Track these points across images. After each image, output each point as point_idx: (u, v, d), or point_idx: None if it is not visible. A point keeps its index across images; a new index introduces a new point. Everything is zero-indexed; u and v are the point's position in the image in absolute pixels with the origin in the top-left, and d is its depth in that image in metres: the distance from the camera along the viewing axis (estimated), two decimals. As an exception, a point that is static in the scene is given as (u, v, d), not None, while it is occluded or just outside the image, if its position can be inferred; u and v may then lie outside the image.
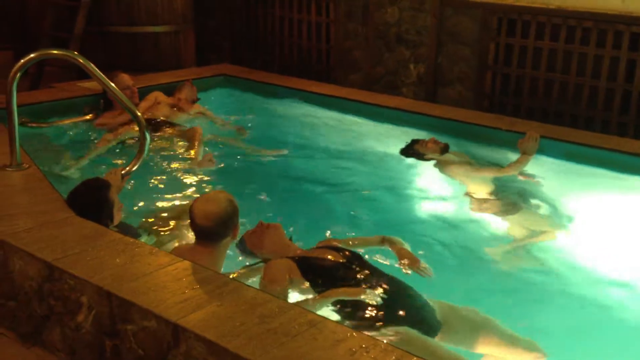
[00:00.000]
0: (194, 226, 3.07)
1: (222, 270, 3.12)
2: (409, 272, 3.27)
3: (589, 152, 4.89)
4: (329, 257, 3.21)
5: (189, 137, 5.34)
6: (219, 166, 5.10)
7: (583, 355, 3.13)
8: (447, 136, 5.24)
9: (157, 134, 5.38)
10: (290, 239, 3.41)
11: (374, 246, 3.53)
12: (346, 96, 6.23)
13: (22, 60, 3.78)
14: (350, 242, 3.52)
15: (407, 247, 3.48)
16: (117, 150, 5.18)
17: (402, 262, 3.32)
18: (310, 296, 2.97)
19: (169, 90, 6.02)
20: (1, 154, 3.99)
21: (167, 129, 5.47)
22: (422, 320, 2.96)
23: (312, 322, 2.41)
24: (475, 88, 6.23)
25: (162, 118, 5.59)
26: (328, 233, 3.95)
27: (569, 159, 4.91)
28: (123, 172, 3.82)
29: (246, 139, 5.77)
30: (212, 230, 3.02)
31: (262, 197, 4.63)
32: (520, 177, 4.71)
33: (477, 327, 3.08)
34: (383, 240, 3.52)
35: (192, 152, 5.18)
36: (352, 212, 4.57)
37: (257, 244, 3.30)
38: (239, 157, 5.40)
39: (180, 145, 5.33)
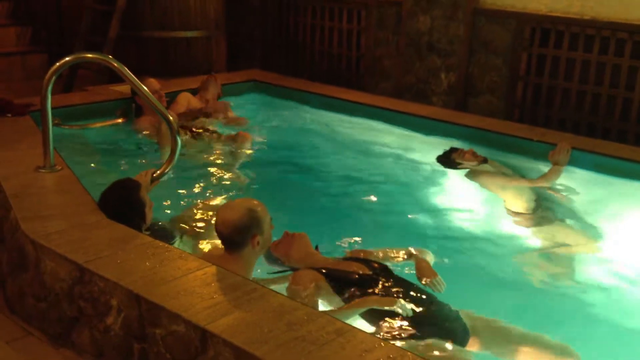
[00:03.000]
0: (216, 232, 3.09)
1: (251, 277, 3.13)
2: (425, 286, 3.24)
3: (620, 165, 4.83)
4: (357, 269, 3.19)
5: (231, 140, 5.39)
6: (248, 172, 5.12)
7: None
8: (477, 146, 5.20)
9: (195, 137, 5.42)
10: (316, 248, 3.40)
11: (401, 259, 3.50)
12: (376, 104, 6.22)
13: (57, 64, 3.81)
14: (378, 254, 3.49)
15: (432, 259, 3.45)
16: (152, 151, 5.24)
17: (419, 275, 3.29)
18: (338, 306, 2.96)
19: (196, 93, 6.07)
20: (35, 156, 4.05)
21: (206, 133, 5.50)
22: (451, 331, 2.94)
23: (340, 331, 2.40)
24: (506, 98, 6.18)
25: (192, 126, 5.62)
26: (355, 243, 3.93)
27: (601, 171, 4.85)
28: (154, 175, 3.84)
29: (273, 145, 5.80)
30: (228, 238, 3.02)
31: (289, 206, 4.63)
32: (554, 193, 4.65)
33: (507, 336, 3.05)
34: (410, 255, 3.49)
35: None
36: (380, 222, 4.55)
37: (283, 254, 3.30)
38: (267, 164, 5.41)
39: (218, 148, 5.36)
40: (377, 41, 7.01)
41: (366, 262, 3.29)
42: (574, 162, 4.73)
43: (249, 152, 5.39)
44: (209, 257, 3.16)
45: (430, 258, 3.46)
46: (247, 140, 5.42)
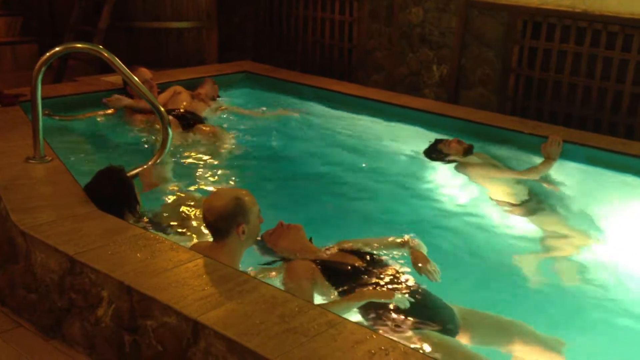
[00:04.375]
0: (203, 219, 3.09)
1: (241, 267, 3.12)
2: (421, 274, 3.25)
3: (612, 158, 4.85)
4: (351, 260, 3.19)
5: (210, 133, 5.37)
6: (242, 163, 5.11)
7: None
8: (469, 138, 5.20)
9: (184, 128, 5.40)
10: (311, 240, 3.40)
11: (394, 248, 3.50)
12: (368, 96, 6.21)
13: (47, 54, 3.78)
14: (371, 243, 3.50)
15: (424, 249, 3.46)
16: (140, 143, 5.22)
17: (415, 263, 3.30)
18: (333, 299, 2.96)
19: (190, 86, 6.04)
20: (25, 146, 4.02)
21: (197, 124, 5.48)
22: (442, 322, 2.95)
23: (332, 323, 2.40)
24: (498, 90, 6.19)
25: (182, 108, 5.60)
26: (347, 233, 3.92)
27: (592, 163, 4.87)
28: (145, 166, 3.83)
29: (264, 137, 5.79)
30: (213, 225, 3.02)
31: (281, 198, 4.63)
32: (545, 185, 4.66)
33: (497, 327, 3.07)
34: (403, 243, 3.49)
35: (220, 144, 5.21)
36: (371, 214, 4.55)
37: (276, 244, 3.29)
38: (261, 155, 5.41)
39: (205, 140, 5.35)
40: (370, 33, 7.00)
41: (360, 253, 3.29)
42: (565, 155, 4.75)
43: (232, 146, 5.38)
44: (197, 247, 3.16)
45: (423, 248, 3.47)
46: (225, 135, 5.41)
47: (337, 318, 2.45)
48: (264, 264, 3.31)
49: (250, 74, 6.95)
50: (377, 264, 3.20)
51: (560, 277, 3.88)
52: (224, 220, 2.98)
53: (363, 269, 3.14)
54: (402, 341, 2.54)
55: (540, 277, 3.87)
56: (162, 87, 5.76)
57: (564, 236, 4.24)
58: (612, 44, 5.50)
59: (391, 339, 2.37)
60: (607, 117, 5.61)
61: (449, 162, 4.91)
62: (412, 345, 2.60)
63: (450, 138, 4.99)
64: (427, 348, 2.73)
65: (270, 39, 7.95)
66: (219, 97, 6.12)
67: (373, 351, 2.25)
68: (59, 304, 2.92)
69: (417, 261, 3.30)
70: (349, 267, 3.14)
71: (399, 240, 3.49)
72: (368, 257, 3.24)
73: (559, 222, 4.40)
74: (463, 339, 2.97)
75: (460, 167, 4.84)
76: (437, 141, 5.02)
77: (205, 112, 5.75)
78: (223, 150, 5.24)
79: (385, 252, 3.41)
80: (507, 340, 3.02)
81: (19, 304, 3.13)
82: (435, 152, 4.97)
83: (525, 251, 4.13)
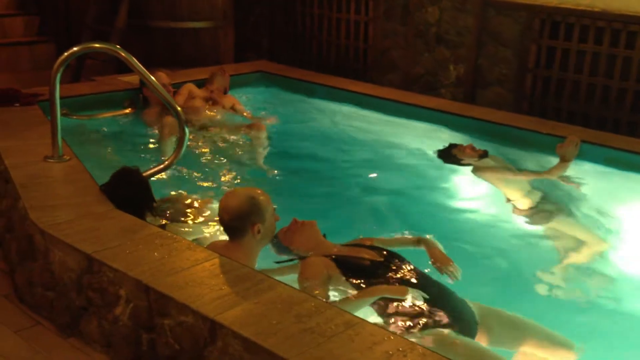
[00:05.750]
0: (219, 219, 3.10)
1: (257, 266, 3.12)
2: (442, 273, 3.24)
3: (631, 158, 4.80)
4: (367, 255, 3.19)
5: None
6: (256, 165, 5.12)
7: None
8: (486, 138, 5.18)
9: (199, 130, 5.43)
10: (324, 236, 3.39)
11: (409, 246, 3.50)
12: (384, 95, 6.20)
13: (65, 54, 3.80)
14: (386, 241, 3.49)
15: (441, 248, 3.45)
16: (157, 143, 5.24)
17: (435, 263, 3.29)
18: (350, 294, 2.96)
19: (203, 85, 6.06)
20: (43, 145, 4.05)
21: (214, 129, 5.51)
22: (460, 320, 2.93)
23: (349, 323, 2.39)
24: (515, 90, 6.15)
25: (198, 120, 5.61)
26: (362, 231, 3.92)
27: (610, 164, 4.83)
28: (162, 166, 3.85)
29: (280, 136, 5.79)
30: (229, 225, 3.03)
31: (296, 195, 4.63)
32: (564, 182, 4.62)
33: (515, 326, 3.05)
34: (419, 241, 3.48)
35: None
36: (386, 213, 4.55)
37: (291, 241, 3.29)
38: (275, 155, 5.41)
39: (228, 140, 5.37)
40: (385, 32, 6.98)
41: (376, 248, 3.28)
42: (583, 155, 4.70)
43: (264, 142, 5.40)
44: (213, 246, 3.16)
45: (439, 247, 3.45)
46: (262, 130, 5.42)
47: (354, 318, 2.44)
48: (280, 262, 3.31)
49: (265, 74, 6.95)
50: (393, 259, 3.19)
51: (577, 280, 3.85)
52: (240, 219, 2.99)
53: (379, 263, 3.13)
54: (418, 340, 2.53)
55: (556, 279, 3.84)
56: (177, 87, 5.77)
57: (581, 238, 4.21)
58: (631, 44, 5.44)
59: (409, 340, 2.36)
60: (627, 117, 5.56)
61: (464, 164, 4.89)
62: (430, 345, 2.58)
63: (465, 144, 4.96)
64: (445, 349, 2.71)
65: (285, 39, 7.94)
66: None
67: (391, 352, 2.24)
68: (76, 302, 2.94)
69: (436, 259, 3.29)
70: (365, 262, 3.13)
71: (414, 238, 3.48)
72: (385, 252, 3.23)
73: (576, 223, 4.37)
74: (482, 339, 2.95)
75: (476, 169, 4.81)
76: (451, 146, 4.99)
77: (220, 115, 5.75)
78: (238, 150, 5.24)
79: (400, 249, 3.40)
80: (525, 341, 3.00)
81: (37, 301, 3.15)
82: (449, 157, 4.95)
83: (542, 253, 4.11)
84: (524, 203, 4.54)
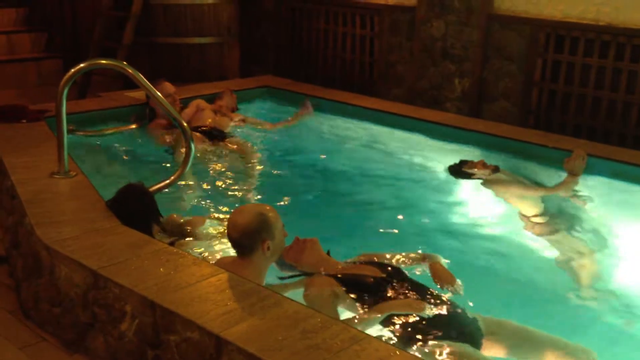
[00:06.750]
0: (227, 236, 3.09)
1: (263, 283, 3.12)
2: (443, 288, 3.22)
3: (637, 172, 4.78)
4: (370, 272, 3.17)
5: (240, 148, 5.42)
6: (264, 179, 5.12)
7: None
8: (491, 152, 5.17)
9: (210, 142, 5.44)
10: (328, 253, 3.38)
11: (414, 263, 3.49)
12: (389, 110, 6.20)
13: (72, 70, 3.82)
14: (390, 257, 3.48)
15: (444, 264, 3.44)
16: (164, 155, 5.25)
17: (438, 281, 3.27)
18: (356, 312, 2.94)
19: (211, 100, 6.08)
20: (49, 161, 4.06)
21: (219, 140, 5.52)
22: (466, 334, 2.91)
23: (356, 339, 2.38)
24: (520, 104, 6.14)
25: (207, 126, 5.64)
26: (366, 247, 3.90)
27: (617, 178, 4.79)
28: (168, 181, 3.85)
29: (285, 151, 5.80)
30: (238, 242, 3.02)
31: (300, 211, 4.62)
32: (572, 200, 4.60)
33: (529, 338, 3.02)
34: (424, 258, 3.48)
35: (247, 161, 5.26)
36: (391, 228, 4.52)
37: (294, 259, 3.28)
38: (281, 170, 5.41)
39: (230, 155, 5.38)
40: (391, 47, 7.00)
41: (379, 265, 3.27)
42: (590, 170, 4.69)
43: (256, 160, 5.41)
44: (221, 263, 3.16)
45: (441, 262, 3.44)
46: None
47: (360, 334, 2.43)
48: (284, 278, 3.29)
49: (271, 89, 6.97)
50: (397, 275, 3.17)
51: (586, 293, 3.83)
52: (249, 237, 2.98)
53: (383, 280, 3.12)
54: (426, 356, 2.52)
55: (565, 293, 3.82)
56: (184, 102, 5.80)
57: (590, 252, 4.19)
58: (636, 57, 5.44)
59: (415, 356, 2.35)
60: (632, 131, 5.54)
61: (475, 179, 4.88)
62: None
63: (475, 159, 4.95)
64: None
65: (291, 54, 7.98)
66: (238, 108, 6.15)
67: (397, 368, 2.23)
68: (82, 318, 2.93)
69: (439, 277, 3.27)
70: (370, 279, 3.12)
71: (416, 255, 3.47)
72: (388, 269, 3.22)
73: (584, 238, 4.35)
74: (488, 352, 2.93)
75: (487, 183, 4.80)
76: (462, 163, 4.97)
77: (229, 127, 5.78)
78: (248, 165, 5.25)
79: (403, 265, 3.39)
80: (541, 352, 2.97)
81: (42, 317, 3.14)
82: (460, 174, 4.94)
83: (551, 267, 4.08)
84: (535, 217, 4.52)
